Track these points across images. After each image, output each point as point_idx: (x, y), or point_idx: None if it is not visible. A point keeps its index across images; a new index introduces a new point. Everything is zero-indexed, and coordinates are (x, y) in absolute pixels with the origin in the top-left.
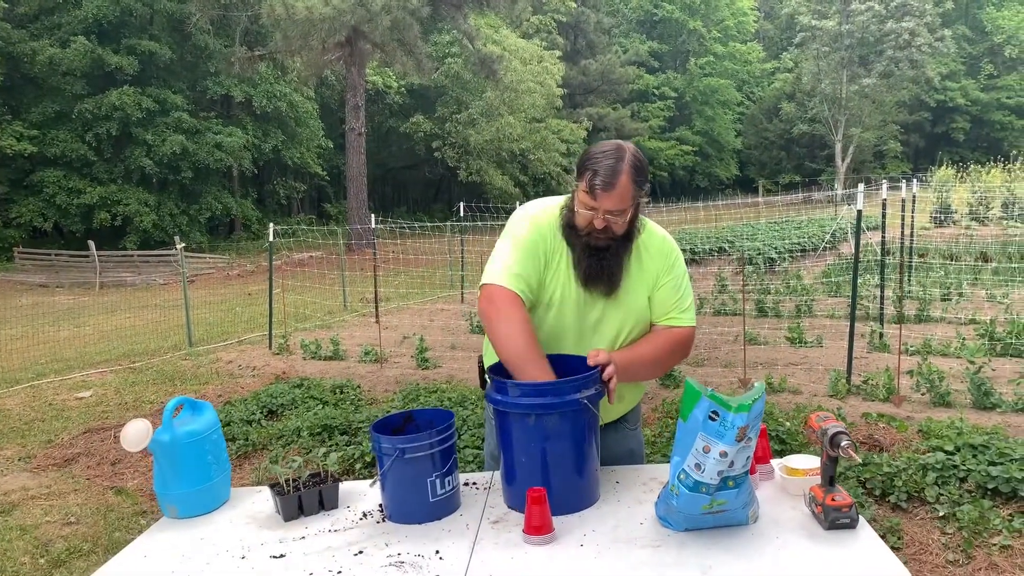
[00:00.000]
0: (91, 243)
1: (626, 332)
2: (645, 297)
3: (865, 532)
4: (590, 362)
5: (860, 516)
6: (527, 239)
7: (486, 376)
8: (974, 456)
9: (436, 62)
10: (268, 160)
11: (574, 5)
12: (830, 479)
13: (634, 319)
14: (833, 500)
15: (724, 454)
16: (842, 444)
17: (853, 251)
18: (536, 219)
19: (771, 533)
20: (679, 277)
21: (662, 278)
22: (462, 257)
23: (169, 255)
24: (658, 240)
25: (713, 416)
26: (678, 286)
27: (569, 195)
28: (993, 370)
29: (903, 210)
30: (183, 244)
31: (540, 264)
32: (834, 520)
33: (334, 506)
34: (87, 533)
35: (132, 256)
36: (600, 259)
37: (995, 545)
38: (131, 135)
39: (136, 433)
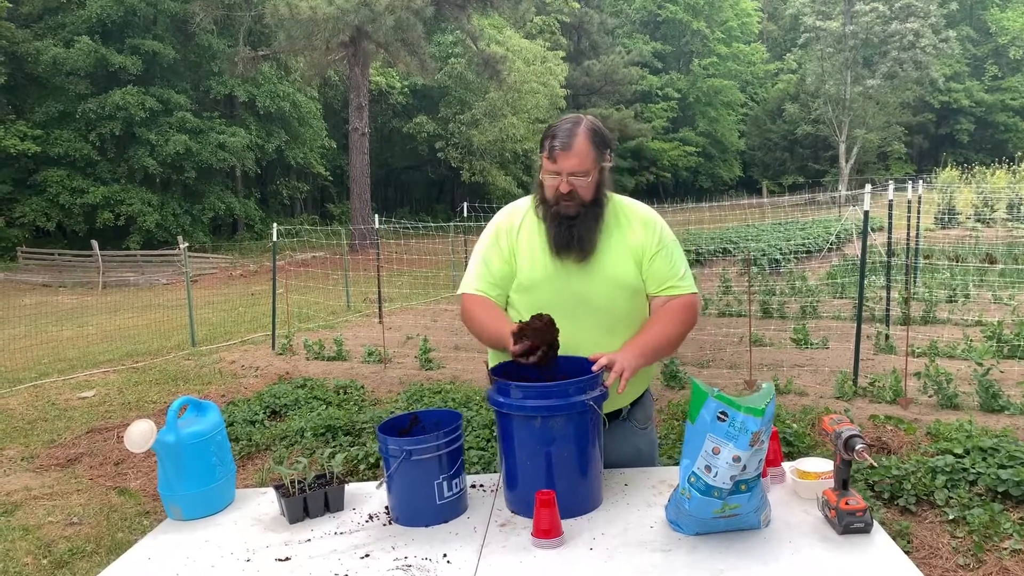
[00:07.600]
0: (94, 243)
1: (617, 303)
2: (631, 266)
3: (880, 537)
4: (594, 368)
5: (875, 520)
6: (488, 239)
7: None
8: (984, 459)
9: (439, 62)
10: (271, 160)
11: (577, 6)
12: (843, 482)
13: (621, 289)
14: (847, 504)
15: (737, 459)
16: (857, 447)
17: (858, 252)
18: (497, 219)
19: (784, 537)
20: (669, 246)
21: (651, 249)
22: (465, 258)
23: (172, 255)
24: (641, 211)
25: (722, 416)
26: (670, 255)
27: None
28: (1001, 372)
29: (908, 211)
30: (186, 244)
31: (504, 252)
32: (848, 524)
33: (340, 508)
34: (90, 534)
35: (135, 256)
36: (570, 226)
37: (1006, 549)
38: (134, 135)
39: (140, 434)
